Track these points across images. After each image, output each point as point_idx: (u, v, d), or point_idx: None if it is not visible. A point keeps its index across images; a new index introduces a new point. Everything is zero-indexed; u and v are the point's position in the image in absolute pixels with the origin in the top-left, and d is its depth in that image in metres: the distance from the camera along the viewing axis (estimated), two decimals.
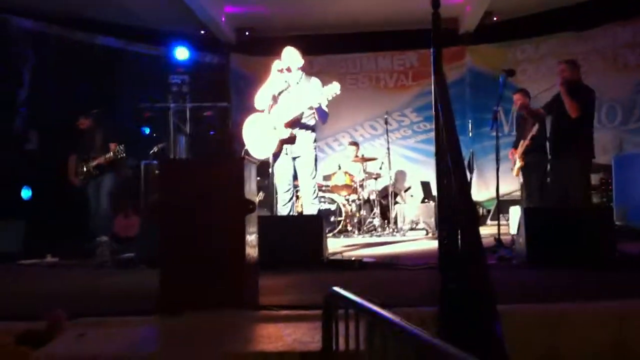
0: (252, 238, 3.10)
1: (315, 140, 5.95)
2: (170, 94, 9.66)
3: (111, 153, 7.21)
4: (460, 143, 3.01)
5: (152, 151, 8.29)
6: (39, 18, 9.22)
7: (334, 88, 5.50)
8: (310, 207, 5.86)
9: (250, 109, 6.11)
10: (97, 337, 2.53)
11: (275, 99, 5.78)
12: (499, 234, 5.97)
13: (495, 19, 10.42)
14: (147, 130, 9.96)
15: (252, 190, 3.14)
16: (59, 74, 9.01)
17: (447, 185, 3.08)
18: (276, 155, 5.77)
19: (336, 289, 2.02)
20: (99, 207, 7.39)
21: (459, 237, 2.94)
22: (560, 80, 6.30)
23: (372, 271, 4.72)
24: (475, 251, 2.68)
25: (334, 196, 8.84)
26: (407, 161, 11.01)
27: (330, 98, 5.51)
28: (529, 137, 7.10)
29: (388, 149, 9.14)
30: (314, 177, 5.94)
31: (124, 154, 7.23)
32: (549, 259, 4.50)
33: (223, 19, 10.40)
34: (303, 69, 5.95)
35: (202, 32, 10.69)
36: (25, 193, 8.27)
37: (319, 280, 4.09)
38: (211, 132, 10.68)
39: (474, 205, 4.64)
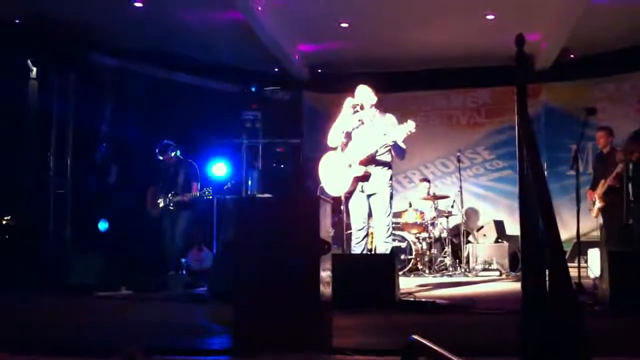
0: (326, 278, 3.06)
1: (391, 178, 5.89)
2: (243, 130, 9.82)
3: (196, 193, 7.40)
4: (546, 181, 2.90)
5: (225, 186, 8.41)
6: (121, 54, 9.57)
7: (409, 126, 5.48)
8: (383, 245, 5.77)
9: (321, 146, 6.14)
10: None
11: (348, 135, 5.78)
12: (579, 277, 5.74)
13: (572, 56, 10.18)
14: (222, 166, 10.07)
15: (327, 230, 3.11)
16: (138, 109, 9.30)
17: (533, 227, 2.97)
18: (350, 193, 5.74)
19: (416, 337, 1.95)
20: (173, 242, 7.56)
21: (546, 280, 2.82)
22: None
23: (445, 314, 4.59)
24: (566, 296, 2.55)
25: (405, 234, 8.72)
26: (479, 200, 10.79)
27: (405, 136, 5.48)
28: (613, 176, 6.84)
29: (460, 186, 8.98)
30: (389, 215, 5.86)
31: (211, 196, 7.45)
32: (634, 306, 4.28)
33: (297, 56, 10.55)
34: (376, 106, 5.94)
35: (276, 69, 10.86)
36: (102, 226, 8.50)
37: (392, 323, 4.01)
38: (281, 166, 10.75)
39: (562, 246, 4.48)
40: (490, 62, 10.00)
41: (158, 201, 7.66)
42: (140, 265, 7.40)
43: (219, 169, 9.43)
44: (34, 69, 8.39)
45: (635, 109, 6.38)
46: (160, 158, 7.75)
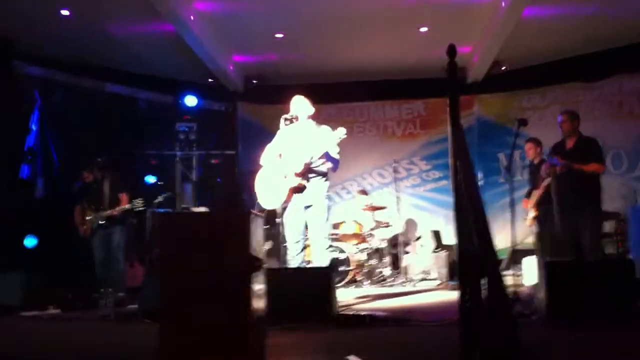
0: (258, 295, 2.94)
1: (327, 189, 5.82)
2: (177, 142, 9.60)
3: (127, 205, 7.17)
4: (479, 192, 2.89)
5: (157, 200, 8.15)
6: (47, 65, 9.23)
7: (339, 132, 5.44)
8: (321, 257, 5.68)
9: (257, 158, 6.04)
10: None
11: (281, 156, 5.71)
12: (515, 285, 5.79)
13: (503, 68, 10.39)
14: (154, 179, 9.86)
15: (258, 245, 2.99)
16: (66, 121, 8.97)
17: (468, 237, 2.94)
18: (287, 204, 5.64)
19: (352, 358, 1.85)
20: (111, 259, 7.30)
21: (481, 292, 2.79)
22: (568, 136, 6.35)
23: (384, 327, 4.52)
24: (503, 309, 2.52)
25: (343, 245, 8.66)
26: (417, 210, 10.84)
27: (337, 143, 5.44)
28: (541, 189, 6.96)
29: (397, 197, 9.00)
30: (327, 227, 5.78)
31: (143, 207, 7.23)
32: (570, 314, 4.33)
33: (231, 67, 10.40)
34: (313, 117, 5.87)
35: (210, 80, 10.68)
36: (30, 242, 8.13)
37: (329, 339, 3.91)
38: (218, 180, 10.57)
39: (497, 255, 4.51)
40: (425, 74, 10.09)
41: (87, 219, 7.39)
42: (70, 284, 7.10)
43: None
44: None
45: (559, 120, 6.54)
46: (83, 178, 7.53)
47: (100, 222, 7.31)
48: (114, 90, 10.15)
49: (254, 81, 11.10)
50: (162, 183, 9.54)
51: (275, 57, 10.22)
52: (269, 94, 10.34)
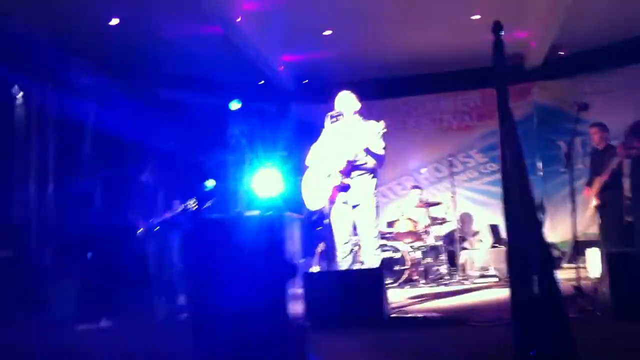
0: (297, 302, 2.81)
1: (376, 187, 5.63)
2: (229, 145, 9.57)
3: (178, 208, 7.16)
4: (529, 182, 2.70)
5: (205, 205, 8.09)
6: (103, 72, 9.34)
7: (379, 126, 5.25)
8: (372, 258, 5.50)
9: None
10: None
11: (326, 155, 5.56)
12: (578, 279, 5.46)
13: (562, 53, 9.97)
14: (213, 183, 9.81)
15: (294, 250, 2.86)
16: (120, 128, 9.06)
17: (518, 229, 2.76)
18: (332, 204, 5.49)
19: None
20: (163, 267, 7.31)
21: (535, 287, 2.62)
22: None
23: (438, 329, 4.34)
24: (554, 306, 2.33)
25: (398, 244, 8.46)
26: (474, 204, 10.54)
27: (379, 137, 5.24)
28: (607, 172, 6.60)
29: (453, 192, 8.74)
30: (376, 227, 5.59)
31: (195, 208, 7.19)
32: (636, 310, 4.02)
33: (281, 67, 10.34)
34: (361, 112, 5.71)
35: (261, 81, 10.64)
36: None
37: (381, 343, 3.76)
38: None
39: (550, 251, 4.26)
40: (480, 63, 9.77)
41: (141, 226, 7.43)
42: (123, 294, 7.13)
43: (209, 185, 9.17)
44: (21, 92, 8.15)
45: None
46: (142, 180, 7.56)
47: (155, 229, 7.32)
48: (165, 95, 10.21)
49: (305, 80, 11.01)
50: (213, 187, 9.51)
51: (325, 55, 10.10)
52: (321, 92, 10.22)
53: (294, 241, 2.93)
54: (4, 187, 7.93)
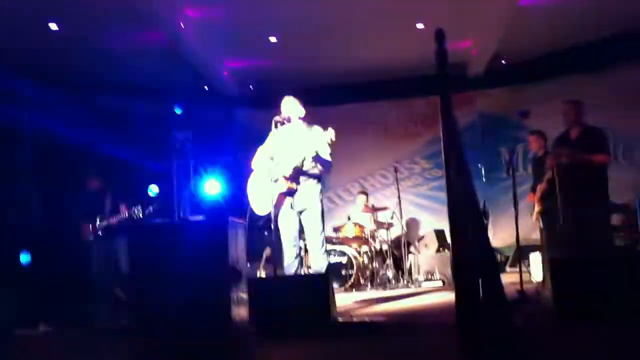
0: (241, 308, 2.75)
1: (321, 192, 5.62)
2: (173, 151, 9.43)
3: (125, 214, 7.05)
4: (473, 188, 2.71)
5: (147, 211, 7.93)
6: (41, 78, 9.07)
7: (329, 134, 5.23)
8: (318, 263, 5.49)
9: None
10: None
11: (272, 159, 5.51)
12: (521, 283, 5.56)
13: (503, 62, 10.17)
14: (156, 190, 9.63)
15: (239, 253, 2.81)
16: (60, 134, 8.82)
17: (463, 233, 2.77)
18: (279, 209, 5.44)
19: None
20: (110, 271, 7.14)
21: (480, 290, 2.63)
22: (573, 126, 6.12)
23: (384, 333, 4.32)
24: (499, 310, 2.34)
25: (345, 248, 8.46)
26: (419, 210, 10.66)
27: (328, 143, 5.23)
28: (544, 182, 6.75)
29: (399, 197, 8.80)
30: (322, 231, 5.57)
31: (141, 215, 7.05)
32: (578, 313, 4.09)
33: (225, 73, 10.23)
34: (306, 119, 5.69)
35: (205, 87, 10.52)
36: (24, 258, 7.97)
37: (327, 351, 3.71)
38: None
39: (495, 255, 4.30)
40: (424, 71, 9.84)
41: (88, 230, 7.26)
42: (64, 298, 6.92)
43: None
44: None
45: (562, 110, 6.36)
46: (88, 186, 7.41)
47: (99, 233, 7.18)
48: (107, 102, 9.99)
49: (250, 86, 10.93)
50: (157, 194, 9.33)
51: (270, 62, 10.05)
52: (266, 99, 10.15)
53: (238, 246, 2.87)
54: None
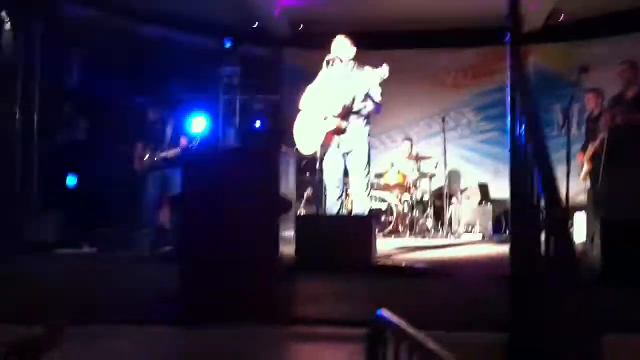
0: (287, 240, 2.74)
1: (369, 134, 5.55)
2: (221, 86, 9.41)
3: (185, 145, 7.02)
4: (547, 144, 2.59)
5: (191, 145, 7.92)
6: (91, 5, 9.05)
7: (382, 71, 5.13)
8: (361, 205, 5.46)
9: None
10: (102, 349, 2.20)
11: (321, 99, 5.43)
12: None
13: (561, 19, 9.80)
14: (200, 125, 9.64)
15: (289, 187, 2.77)
16: (108, 62, 8.82)
17: (524, 188, 2.67)
18: (326, 149, 5.40)
19: (384, 311, 1.63)
20: (155, 200, 7.19)
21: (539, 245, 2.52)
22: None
23: (424, 280, 4.31)
24: (568, 263, 2.24)
25: (386, 195, 8.41)
26: (464, 162, 10.47)
27: (379, 83, 5.13)
28: (598, 142, 6.55)
29: (445, 148, 8.68)
30: (368, 174, 5.52)
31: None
32: (628, 276, 3.99)
33: (277, 11, 10.07)
34: (356, 59, 5.58)
35: (255, 25, 10.38)
36: (71, 181, 8.10)
37: (367, 289, 3.71)
38: (259, 125, 10.34)
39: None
40: (477, 22, 9.59)
41: (145, 158, 7.26)
42: (108, 223, 7.04)
43: (199, 124, 8.95)
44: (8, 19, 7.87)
45: (618, 70, 6.16)
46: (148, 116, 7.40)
47: (157, 163, 7.17)
48: (157, 34, 9.93)
49: (300, 26, 10.76)
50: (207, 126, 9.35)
51: (322, 2, 9.85)
52: (316, 40, 9.97)
53: (289, 178, 2.84)
54: None
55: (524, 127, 2.75)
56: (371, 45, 9.63)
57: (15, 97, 7.90)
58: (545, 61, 10.41)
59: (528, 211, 2.59)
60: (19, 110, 7.90)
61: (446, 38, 10.69)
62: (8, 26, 7.87)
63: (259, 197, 2.59)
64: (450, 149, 9.70)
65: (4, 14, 7.82)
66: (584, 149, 7.06)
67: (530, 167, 2.67)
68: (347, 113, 5.29)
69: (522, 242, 2.59)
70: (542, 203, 2.47)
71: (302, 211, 8.38)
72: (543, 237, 2.42)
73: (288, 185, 2.80)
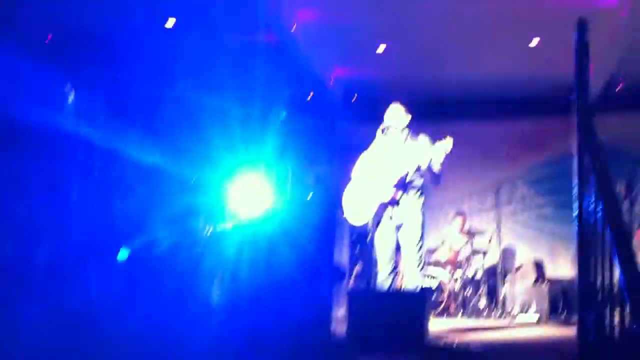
0: (340, 312, 2.57)
1: (423, 205, 5.37)
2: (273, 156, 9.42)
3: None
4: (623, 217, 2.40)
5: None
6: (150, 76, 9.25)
7: (446, 144, 5.01)
8: (413, 282, 5.23)
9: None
10: None
11: (374, 169, 5.33)
12: None
13: (619, 87, 9.54)
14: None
15: (342, 258, 2.63)
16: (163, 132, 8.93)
17: (592, 267, 2.49)
18: (378, 221, 5.24)
19: None
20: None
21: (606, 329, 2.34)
22: None
23: None
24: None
25: (437, 272, 8.15)
26: (517, 238, 10.15)
27: (442, 156, 5.00)
28: None
29: (497, 223, 8.42)
30: (421, 248, 5.32)
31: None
32: None
33: (331, 81, 10.16)
34: (411, 128, 5.49)
35: (309, 94, 10.47)
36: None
37: None
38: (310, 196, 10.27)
39: None
40: (532, 92, 9.45)
41: None
42: None
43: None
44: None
45: None
46: None
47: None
48: (211, 103, 10.07)
49: (354, 95, 10.81)
50: None
51: (376, 73, 9.89)
52: (369, 112, 9.99)
53: (343, 250, 2.70)
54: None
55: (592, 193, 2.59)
56: (423, 115, 9.60)
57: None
58: (602, 132, 10.10)
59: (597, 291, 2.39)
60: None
61: (499, 108, 10.56)
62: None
63: (318, 267, 2.47)
64: (503, 224, 9.42)
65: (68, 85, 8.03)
66: None
67: (599, 231, 2.50)
68: (401, 183, 5.16)
69: (587, 321, 2.40)
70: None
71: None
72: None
73: (342, 256, 2.66)
